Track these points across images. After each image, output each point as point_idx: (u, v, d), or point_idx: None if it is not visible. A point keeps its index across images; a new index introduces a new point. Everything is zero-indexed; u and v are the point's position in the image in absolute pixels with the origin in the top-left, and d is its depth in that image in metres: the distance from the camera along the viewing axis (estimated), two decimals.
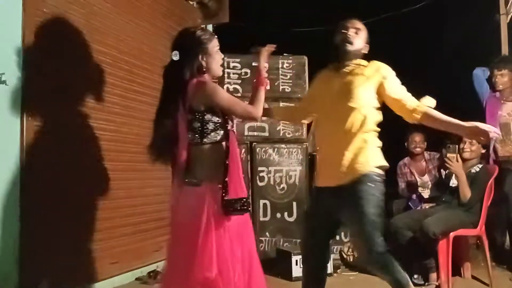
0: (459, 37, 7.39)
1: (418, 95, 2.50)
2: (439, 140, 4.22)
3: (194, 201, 2.14)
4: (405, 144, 4.75)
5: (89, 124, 3.50)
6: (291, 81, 4.71)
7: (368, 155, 2.39)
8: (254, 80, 2.40)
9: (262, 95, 2.29)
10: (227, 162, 2.14)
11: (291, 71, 4.71)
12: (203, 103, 2.14)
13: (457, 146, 3.74)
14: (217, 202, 2.10)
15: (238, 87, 4.59)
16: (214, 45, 2.26)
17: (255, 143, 4.56)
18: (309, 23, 6.53)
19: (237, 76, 4.60)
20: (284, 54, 4.70)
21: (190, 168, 2.18)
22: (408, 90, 2.47)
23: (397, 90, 2.45)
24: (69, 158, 3.30)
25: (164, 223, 4.45)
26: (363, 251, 2.39)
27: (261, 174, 4.59)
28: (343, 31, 2.48)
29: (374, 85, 2.44)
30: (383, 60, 2.53)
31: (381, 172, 2.41)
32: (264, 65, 2.40)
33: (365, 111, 2.41)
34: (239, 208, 2.11)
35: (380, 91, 2.45)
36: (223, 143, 2.17)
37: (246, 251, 2.21)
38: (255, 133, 4.58)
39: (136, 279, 3.98)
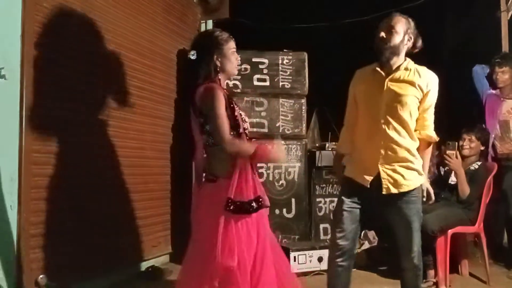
0: (460, 34, 7.38)
1: None
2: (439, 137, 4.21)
3: (213, 196, 2.23)
4: None
5: (88, 119, 3.50)
6: (291, 77, 4.70)
7: (417, 169, 2.51)
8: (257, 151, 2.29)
9: (248, 150, 2.24)
10: (236, 163, 2.21)
11: (291, 67, 4.70)
12: (207, 108, 2.20)
13: (456, 143, 3.74)
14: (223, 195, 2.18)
15: (237, 83, 4.58)
16: (230, 46, 2.31)
17: (254, 139, 4.54)
18: (310, 19, 6.52)
19: (236, 72, 4.57)
20: (284, 50, 4.69)
21: (207, 165, 2.30)
22: None
23: (429, 108, 2.52)
24: (68, 153, 3.30)
25: (163, 219, 4.48)
26: (404, 250, 2.57)
27: (260, 171, 4.59)
28: (377, 34, 2.49)
29: (420, 97, 2.48)
30: None
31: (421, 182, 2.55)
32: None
33: (413, 121, 2.50)
34: (239, 208, 2.16)
35: (421, 100, 2.50)
36: None
37: (261, 241, 2.26)
38: (254, 129, 4.57)
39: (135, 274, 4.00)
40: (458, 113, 5.06)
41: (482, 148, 3.90)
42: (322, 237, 4.55)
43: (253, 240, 2.21)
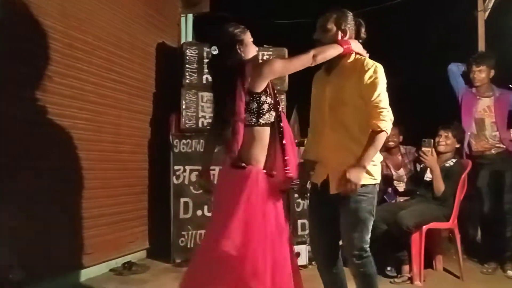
0: (439, 33, 7.48)
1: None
2: (416, 134, 4.27)
3: (237, 185, 2.23)
4: None
5: (63, 112, 3.43)
6: None
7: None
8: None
9: (332, 50, 2.36)
10: (284, 142, 2.30)
11: None
12: (260, 83, 2.26)
13: (432, 140, 3.79)
14: (261, 185, 2.22)
15: None
16: (248, 36, 2.38)
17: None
18: (291, 14, 6.52)
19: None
20: (264, 45, 4.66)
21: (239, 150, 2.27)
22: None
23: (375, 96, 2.34)
24: (42, 146, 3.24)
25: (140, 214, 4.44)
26: (346, 251, 2.46)
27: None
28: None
29: (361, 88, 2.37)
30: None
31: (374, 180, 2.41)
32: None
33: (361, 117, 2.38)
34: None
35: (362, 92, 2.38)
36: (275, 124, 2.30)
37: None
38: None
39: (111, 270, 3.95)
40: (436, 110, 5.13)
41: (458, 145, 3.96)
42: (300, 232, 4.55)
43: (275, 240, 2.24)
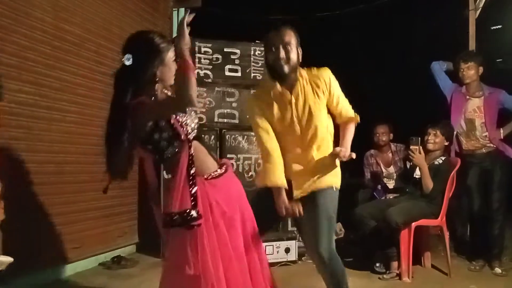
0: (429, 32, 7.51)
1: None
2: (407, 132, 4.28)
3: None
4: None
5: (52, 105, 3.40)
6: (262, 68, 4.67)
7: (327, 170, 2.43)
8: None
9: (190, 80, 1.84)
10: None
11: (263, 58, 4.66)
12: (145, 125, 1.96)
13: (419, 138, 3.81)
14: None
15: (209, 72, 4.53)
16: (171, 55, 2.03)
17: (224, 130, 4.52)
18: (283, 11, 6.51)
19: (208, 61, 4.53)
20: (257, 41, 4.65)
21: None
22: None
23: (338, 99, 2.46)
24: (31, 139, 3.21)
25: (129, 209, 4.42)
26: (316, 252, 2.42)
27: (230, 161, 4.55)
28: (274, 50, 2.36)
29: (322, 96, 2.40)
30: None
31: (338, 183, 2.46)
32: (185, 46, 1.93)
33: (322, 127, 2.41)
34: (179, 221, 1.93)
35: (328, 100, 2.44)
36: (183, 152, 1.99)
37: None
38: (225, 120, 4.55)
39: (100, 264, 3.94)
40: (425, 109, 5.15)
41: (447, 143, 3.98)
42: (290, 228, 4.56)
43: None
